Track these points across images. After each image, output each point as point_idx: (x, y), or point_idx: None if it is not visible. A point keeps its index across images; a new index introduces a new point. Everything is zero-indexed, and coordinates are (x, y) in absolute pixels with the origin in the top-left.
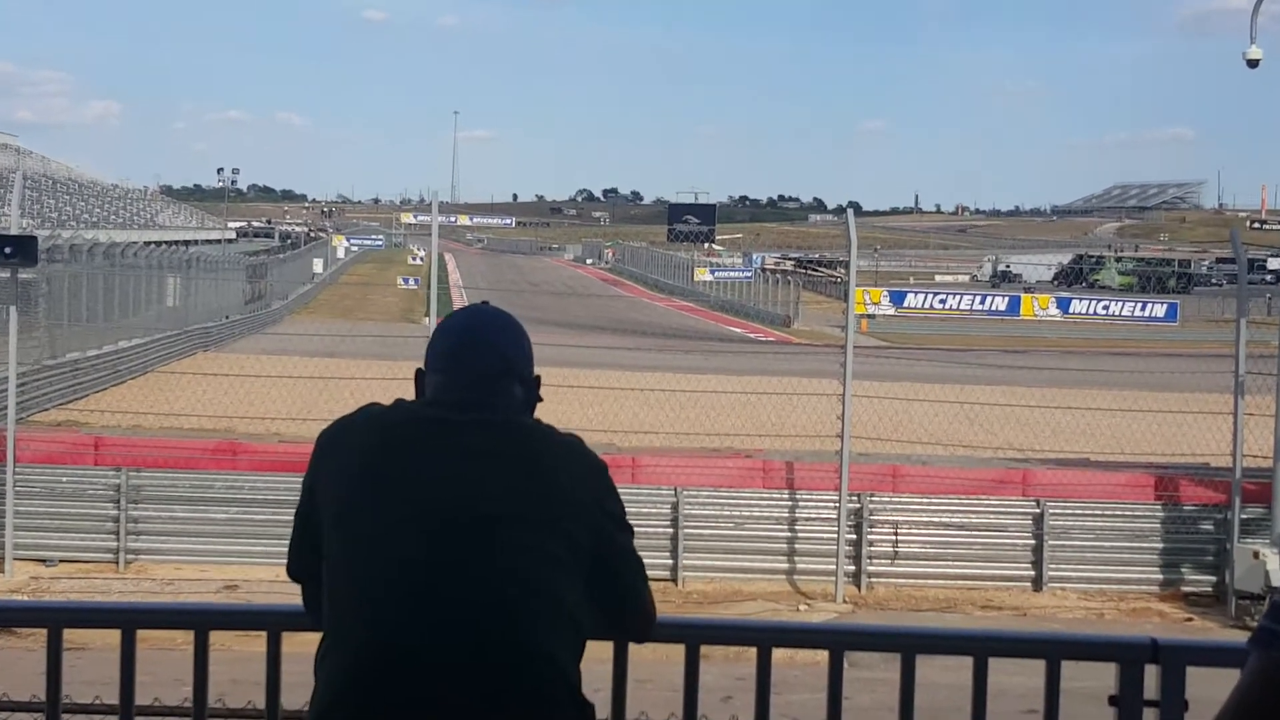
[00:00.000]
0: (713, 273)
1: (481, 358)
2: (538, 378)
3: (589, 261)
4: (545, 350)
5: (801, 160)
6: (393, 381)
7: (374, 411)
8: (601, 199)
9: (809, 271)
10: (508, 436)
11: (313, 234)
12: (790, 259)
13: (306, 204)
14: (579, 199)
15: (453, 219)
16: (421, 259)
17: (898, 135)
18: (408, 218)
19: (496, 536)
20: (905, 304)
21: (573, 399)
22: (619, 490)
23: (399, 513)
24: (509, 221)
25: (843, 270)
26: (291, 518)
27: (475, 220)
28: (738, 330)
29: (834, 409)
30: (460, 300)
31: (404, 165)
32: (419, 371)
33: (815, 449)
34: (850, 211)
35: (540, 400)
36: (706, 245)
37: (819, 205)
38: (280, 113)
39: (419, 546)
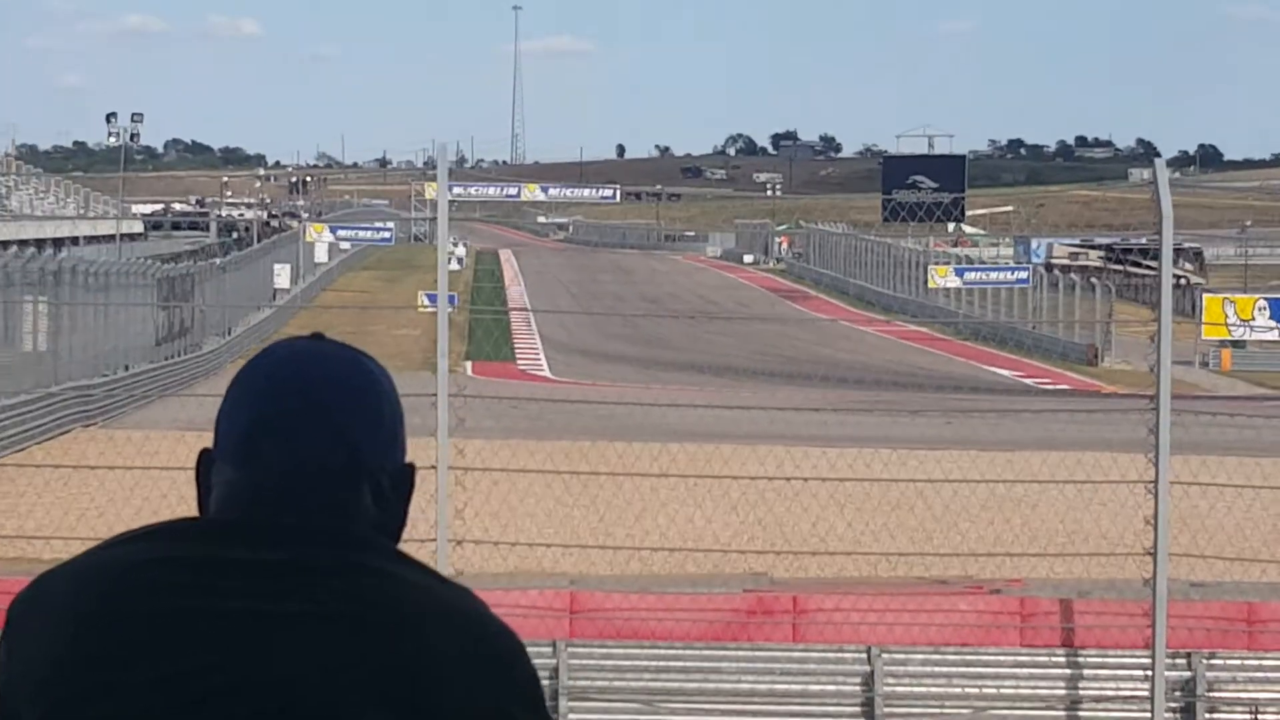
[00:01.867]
0: (960, 274)
1: (302, 444)
2: (409, 469)
3: (749, 260)
4: (664, 415)
5: (1115, 76)
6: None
7: (97, 559)
8: (771, 151)
9: (1129, 269)
10: (349, 599)
11: (275, 221)
12: (1096, 247)
13: (264, 171)
14: (731, 152)
15: (514, 191)
16: (463, 260)
17: None
18: (436, 190)
19: None
20: None
21: (714, 496)
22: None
23: None
24: (610, 193)
25: (1187, 265)
26: None
27: (553, 192)
28: (1005, 373)
29: (1143, 506)
30: (528, 335)
31: (431, 103)
32: (203, 456)
33: (1113, 575)
34: (1160, 162)
35: (403, 521)
36: (952, 227)
37: (1146, 151)
38: (212, 16)
39: None
